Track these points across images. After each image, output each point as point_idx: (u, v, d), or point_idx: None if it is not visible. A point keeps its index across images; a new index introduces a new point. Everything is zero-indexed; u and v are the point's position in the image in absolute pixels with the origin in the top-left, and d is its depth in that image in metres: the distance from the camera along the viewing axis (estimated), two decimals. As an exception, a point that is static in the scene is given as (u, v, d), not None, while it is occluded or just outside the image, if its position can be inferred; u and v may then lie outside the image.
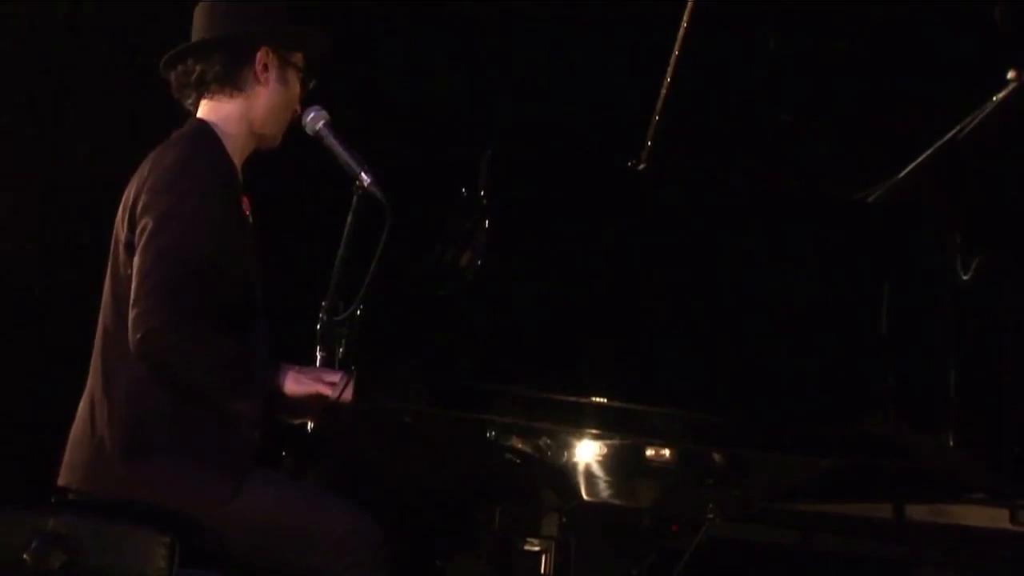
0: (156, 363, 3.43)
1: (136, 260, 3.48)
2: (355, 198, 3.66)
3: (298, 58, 3.78)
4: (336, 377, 3.50)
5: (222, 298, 3.51)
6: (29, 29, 5.39)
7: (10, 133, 5.37)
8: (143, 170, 3.61)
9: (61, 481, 3.56)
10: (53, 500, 3.54)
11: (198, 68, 3.71)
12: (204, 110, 3.73)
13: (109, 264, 3.63)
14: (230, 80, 3.70)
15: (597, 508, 3.74)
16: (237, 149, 3.70)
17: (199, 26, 3.75)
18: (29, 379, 5.23)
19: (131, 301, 3.44)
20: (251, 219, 3.73)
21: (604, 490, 3.70)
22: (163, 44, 3.81)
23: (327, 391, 3.49)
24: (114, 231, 3.63)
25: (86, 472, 3.50)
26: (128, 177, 3.67)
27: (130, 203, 3.58)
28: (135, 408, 3.48)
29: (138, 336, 3.41)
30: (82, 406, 3.59)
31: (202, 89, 3.72)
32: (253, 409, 3.52)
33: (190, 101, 3.75)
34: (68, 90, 5.42)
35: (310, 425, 3.72)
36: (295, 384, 3.53)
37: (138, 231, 3.51)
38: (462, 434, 3.57)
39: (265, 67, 3.72)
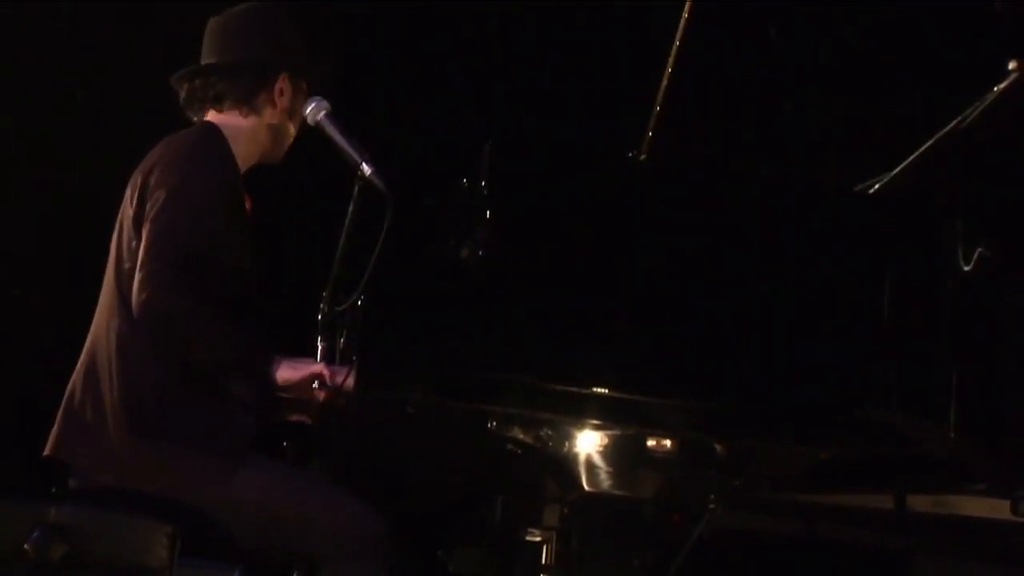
0: (158, 323, 3.43)
1: (145, 230, 3.50)
2: (356, 188, 3.66)
3: (305, 85, 3.80)
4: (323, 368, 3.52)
5: (224, 285, 3.53)
6: (29, 30, 5.39)
7: (10, 133, 5.37)
8: (153, 154, 3.64)
9: (48, 451, 3.56)
10: (54, 490, 3.54)
11: (220, 86, 3.74)
12: (213, 117, 3.75)
13: (113, 243, 3.64)
14: (247, 101, 3.73)
15: (599, 498, 3.75)
16: (241, 157, 3.71)
17: (219, 45, 3.77)
18: (28, 369, 5.23)
19: (137, 266, 3.45)
20: (251, 218, 3.74)
21: (606, 480, 3.70)
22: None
23: (319, 369, 3.51)
24: (120, 209, 3.65)
25: (87, 449, 3.51)
26: (129, 173, 3.68)
27: (139, 183, 3.60)
28: (134, 386, 3.48)
29: (143, 297, 3.42)
30: (77, 378, 3.59)
31: (216, 104, 3.75)
32: (250, 394, 3.53)
33: (197, 110, 3.77)
34: (67, 90, 5.42)
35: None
36: (290, 371, 3.53)
37: (148, 205, 3.52)
38: (464, 424, 3.57)
39: (281, 92, 3.75)
